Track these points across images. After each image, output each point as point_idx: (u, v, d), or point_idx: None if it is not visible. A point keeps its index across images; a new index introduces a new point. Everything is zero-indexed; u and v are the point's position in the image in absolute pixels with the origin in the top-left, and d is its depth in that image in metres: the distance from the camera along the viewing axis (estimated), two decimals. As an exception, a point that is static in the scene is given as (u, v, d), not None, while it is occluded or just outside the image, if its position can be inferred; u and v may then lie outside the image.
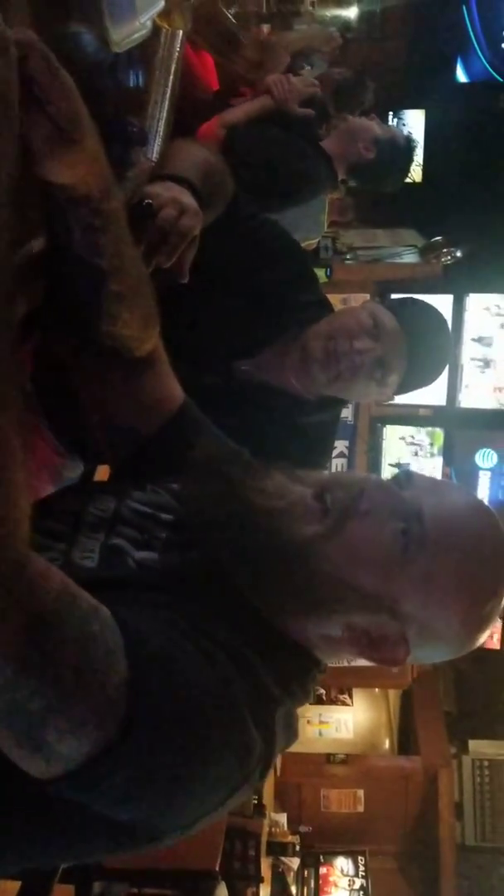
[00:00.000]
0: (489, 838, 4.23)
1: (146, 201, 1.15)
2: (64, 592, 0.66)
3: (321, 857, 4.23)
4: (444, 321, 1.74)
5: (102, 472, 1.88)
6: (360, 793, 4.40)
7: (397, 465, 4.50)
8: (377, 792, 4.41)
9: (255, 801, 3.66)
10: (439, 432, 4.40)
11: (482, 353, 4.31)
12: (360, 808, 4.37)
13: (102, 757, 0.65)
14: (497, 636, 3.93)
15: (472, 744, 4.45)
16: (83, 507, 0.93)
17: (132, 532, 0.90)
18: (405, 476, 0.91)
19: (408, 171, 2.70)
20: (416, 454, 4.52)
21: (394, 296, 3.76)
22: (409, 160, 2.65)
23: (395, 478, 0.92)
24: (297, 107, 2.46)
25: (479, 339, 4.31)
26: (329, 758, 4.52)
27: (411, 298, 2.53)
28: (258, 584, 0.85)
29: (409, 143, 2.60)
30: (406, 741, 4.77)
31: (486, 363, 4.31)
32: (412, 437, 4.51)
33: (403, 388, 1.64)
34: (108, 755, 0.65)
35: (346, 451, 4.60)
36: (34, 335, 1.15)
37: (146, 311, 1.00)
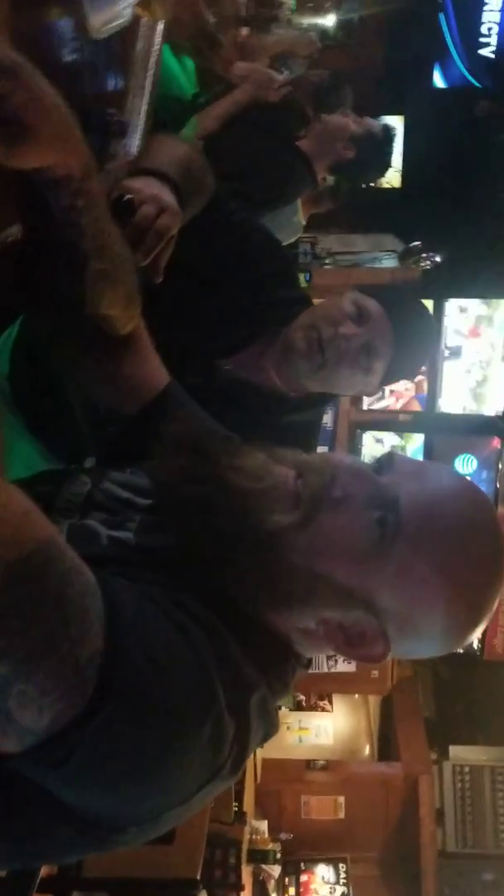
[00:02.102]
0: (470, 844, 4.22)
1: (126, 196, 1.12)
2: (51, 541, 0.62)
3: (302, 864, 4.20)
4: (426, 308, 1.73)
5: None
6: (341, 799, 4.38)
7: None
8: (358, 799, 4.38)
9: (236, 808, 3.63)
10: (410, 436, 4.40)
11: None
12: (341, 815, 4.34)
13: (68, 732, 0.60)
14: (477, 643, 3.94)
15: (453, 750, 4.45)
16: (55, 491, 0.89)
17: (104, 515, 0.86)
18: (387, 459, 0.85)
19: (389, 160, 2.68)
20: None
21: None
22: (390, 150, 2.64)
23: (377, 461, 0.86)
24: (275, 94, 2.44)
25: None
26: (309, 764, 4.49)
27: (393, 286, 2.53)
28: (230, 570, 0.80)
29: (387, 133, 2.59)
30: (386, 747, 4.75)
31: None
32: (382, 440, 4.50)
33: (389, 377, 1.62)
34: (73, 731, 0.60)
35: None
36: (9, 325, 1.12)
37: (129, 290, 0.98)
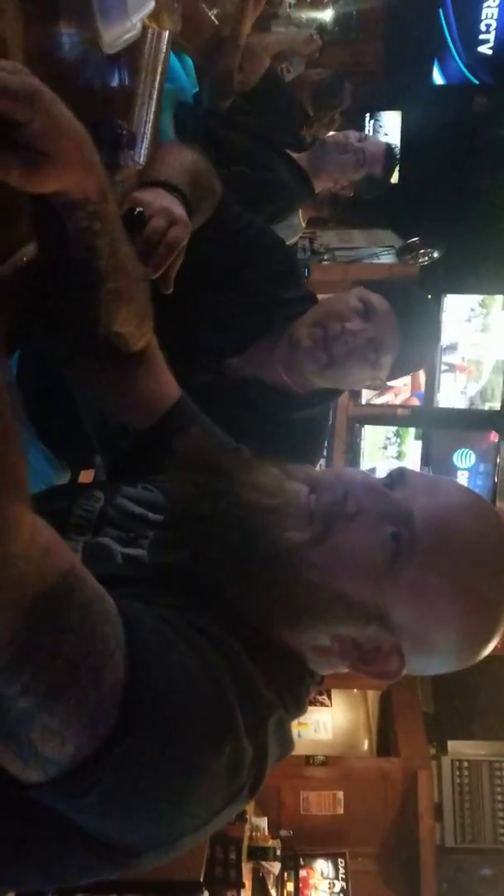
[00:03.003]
0: (469, 839, 4.25)
1: (138, 210, 1.13)
2: (72, 571, 0.61)
3: (301, 859, 4.21)
4: (431, 302, 1.73)
5: (86, 476, 1.87)
6: (340, 795, 4.40)
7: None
8: (356, 794, 4.40)
9: (236, 806, 3.64)
10: (406, 430, 4.41)
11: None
12: (340, 811, 4.36)
13: (90, 763, 0.61)
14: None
15: (452, 744, 4.47)
16: (69, 508, 0.89)
17: (118, 532, 0.87)
18: (398, 474, 0.86)
19: (388, 183, 2.71)
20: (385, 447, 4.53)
21: None
22: (390, 178, 2.67)
23: (388, 476, 0.86)
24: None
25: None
26: (308, 760, 4.51)
27: (397, 281, 2.55)
28: (243, 588, 0.80)
29: (386, 173, 2.61)
30: (385, 742, 4.77)
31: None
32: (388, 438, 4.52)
33: (397, 370, 1.63)
34: (95, 762, 0.61)
35: (324, 452, 4.61)
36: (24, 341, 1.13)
37: (142, 307, 0.99)
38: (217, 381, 1.61)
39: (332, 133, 2.89)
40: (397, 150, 2.67)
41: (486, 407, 4.29)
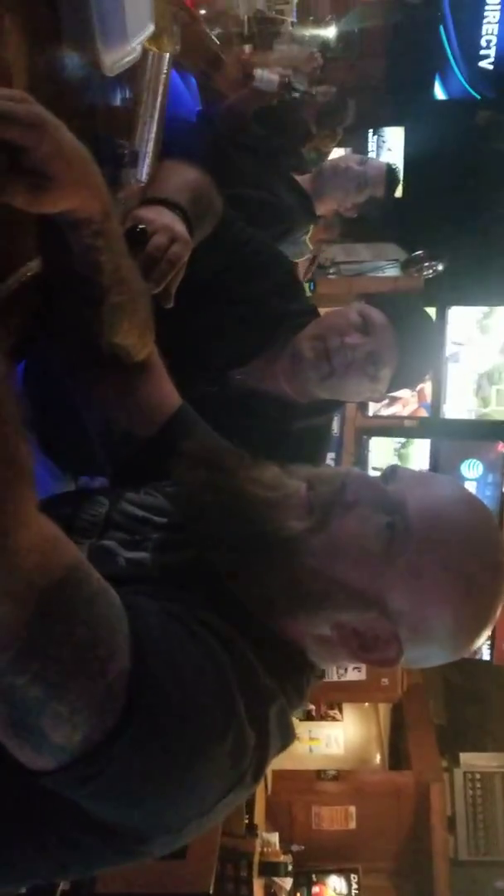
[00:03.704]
0: (482, 852, 4.22)
1: (140, 226, 1.16)
2: (77, 565, 0.64)
3: (313, 875, 4.19)
4: (430, 316, 1.76)
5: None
6: (352, 809, 4.37)
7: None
8: (369, 808, 4.38)
9: (247, 821, 3.63)
10: (411, 441, 4.43)
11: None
12: (353, 825, 4.33)
13: (100, 749, 0.64)
14: (487, 648, 3.94)
15: (464, 757, 4.44)
16: (73, 512, 0.92)
17: (123, 535, 0.89)
18: (390, 471, 0.90)
19: (391, 202, 2.74)
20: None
21: None
22: (391, 198, 2.70)
23: (382, 474, 0.90)
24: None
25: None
26: (320, 774, 4.49)
27: (397, 295, 2.58)
28: (247, 578, 0.83)
29: (388, 193, 2.65)
30: (397, 755, 4.75)
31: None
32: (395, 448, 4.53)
33: (395, 384, 1.66)
34: (103, 748, 0.64)
35: (332, 464, 4.62)
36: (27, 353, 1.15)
37: (144, 320, 1.02)
38: (220, 393, 1.63)
39: (332, 158, 2.93)
40: (399, 169, 2.69)
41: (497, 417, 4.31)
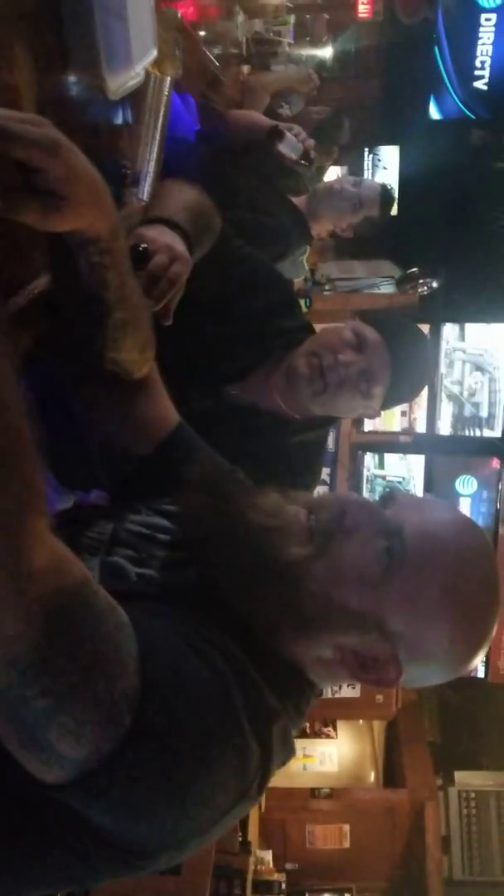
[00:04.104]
0: (477, 872, 4.19)
1: (142, 246, 1.17)
2: (85, 584, 0.66)
3: (307, 894, 4.16)
4: (424, 335, 1.78)
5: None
6: (346, 828, 4.35)
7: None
8: (363, 826, 4.36)
9: (241, 838, 3.61)
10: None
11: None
12: (346, 844, 4.31)
13: (108, 763, 0.65)
14: (482, 666, 3.94)
15: (458, 775, 4.42)
16: (79, 530, 0.94)
17: (130, 552, 0.91)
18: (389, 496, 0.92)
19: (385, 224, 2.77)
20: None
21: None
22: (386, 218, 2.72)
23: (380, 498, 0.93)
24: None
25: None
26: (314, 792, 4.46)
27: (391, 313, 2.61)
28: (250, 602, 0.85)
29: (383, 213, 2.67)
30: (391, 773, 4.73)
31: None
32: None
33: (390, 401, 1.68)
34: (110, 763, 0.65)
35: (327, 479, 4.63)
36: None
37: (145, 337, 1.04)
38: (216, 408, 1.65)
39: (327, 178, 2.95)
40: (393, 190, 2.72)
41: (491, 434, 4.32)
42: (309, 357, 1.61)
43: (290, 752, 0.87)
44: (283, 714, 0.83)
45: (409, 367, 1.65)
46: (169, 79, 1.52)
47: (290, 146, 2.40)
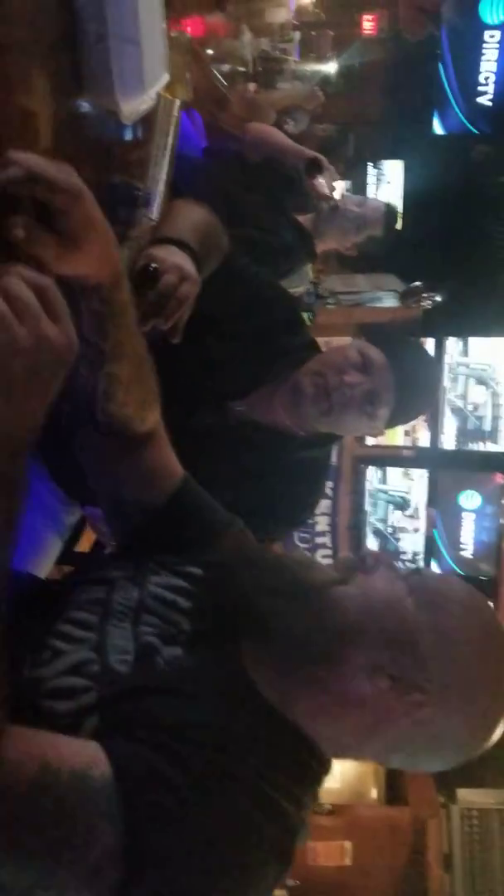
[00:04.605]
0: (479, 890, 4.15)
1: (153, 266, 1.18)
2: (42, 773, 0.69)
3: (308, 911, 4.13)
4: (430, 356, 1.79)
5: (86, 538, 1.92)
6: (348, 845, 4.31)
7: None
8: (365, 844, 4.32)
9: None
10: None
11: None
12: (348, 861, 4.27)
13: None
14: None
15: (461, 793, 4.39)
16: (108, 596, 0.96)
17: (157, 621, 0.93)
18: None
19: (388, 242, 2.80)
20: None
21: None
22: (389, 237, 2.75)
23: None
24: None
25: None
26: (315, 808, 4.44)
27: (397, 334, 2.64)
28: (282, 623, 0.90)
29: (386, 232, 2.69)
30: (394, 790, 4.70)
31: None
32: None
33: (394, 421, 1.69)
34: None
35: (330, 492, 4.63)
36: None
37: (145, 394, 1.05)
38: (221, 424, 1.66)
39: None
40: (396, 209, 2.75)
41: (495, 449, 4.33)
42: (314, 377, 1.63)
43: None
44: (301, 826, 0.87)
45: (414, 389, 1.67)
46: (178, 101, 1.53)
47: (328, 180, 2.41)
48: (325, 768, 0.93)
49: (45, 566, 1.66)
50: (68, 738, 0.75)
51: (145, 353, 1.05)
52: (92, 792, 0.71)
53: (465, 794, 4.38)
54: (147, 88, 1.10)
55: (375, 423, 1.67)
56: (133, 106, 1.10)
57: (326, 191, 2.44)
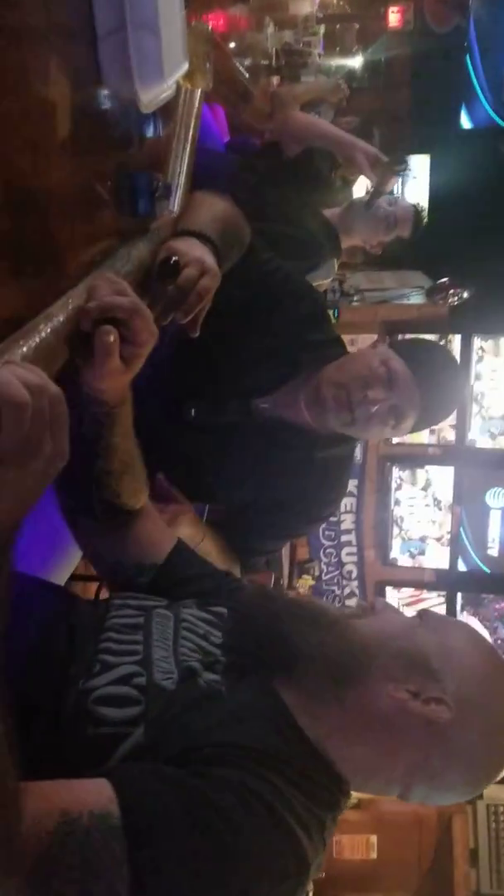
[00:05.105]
0: (506, 886, 4.13)
1: (173, 259, 1.19)
2: (63, 821, 0.72)
3: (333, 905, 4.13)
4: (454, 360, 1.77)
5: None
6: (373, 839, 4.31)
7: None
8: (390, 838, 4.31)
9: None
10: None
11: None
12: (373, 855, 4.27)
13: None
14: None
15: (487, 788, 4.37)
16: (147, 622, 1.02)
17: (194, 647, 0.99)
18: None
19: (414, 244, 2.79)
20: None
21: (401, 336, 3.84)
22: (415, 238, 2.74)
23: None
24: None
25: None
26: (341, 803, 4.43)
27: (421, 340, 2.61)
28: (309, 649, 0.95)
29: (414, 234, 2.68)
30: (419, 785, 4.68)
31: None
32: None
33: (418, 428, 1.69)
34: None
35: (354, 491, 4.62)
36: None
37: (135, 485, 1.14)
38: (244, 421, 1.66)
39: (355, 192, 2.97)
40: (425, 212, 2.74)
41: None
42: (337, 390, 1.60)
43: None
44: (320, 852, 0.89)
45: (439, 400, 1.66)
46: (199, 91, 1.54)
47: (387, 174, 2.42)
48: (345, 795, 0.96)
49: (68, 566, 1.67)
50: (81, 781, 0.77)
51: (137, 451, 1.13)
52: (114, 829, 0.74)
53: (491, 791, 4.35)
54: (166, 77, 1.10)
55: (399, 432, 1.67)
56: (152, 94, 1.11)
57: (388, 185, 2.44)
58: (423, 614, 1.02)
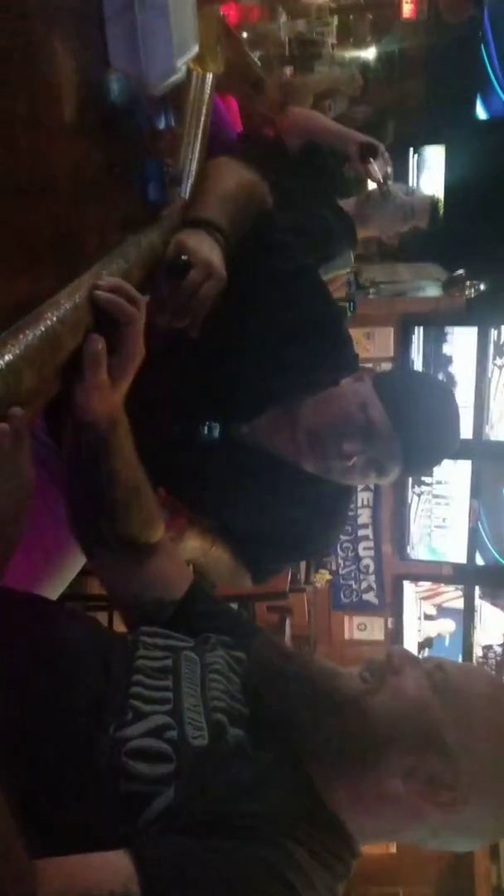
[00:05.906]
0: (527, 882, 4.12)
1: (184, 258, 1.19)
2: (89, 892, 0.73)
3: (354, 900, 4.12)
4: (445, 401, 1.54)
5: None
6: (393, 834, 4.31)
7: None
8: (410, 833, 4.30)
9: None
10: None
11: None
12: (393, 850, 4.26)
13: None
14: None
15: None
16: (175, 665, 1.02)
17: (220, 695, 0.99)
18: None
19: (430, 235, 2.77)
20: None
21: (383, 367, 3.78)
22: (432, 230, 2.71)
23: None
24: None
25: None
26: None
27: (408, 376, 2.50)
28: (319, 735, 0.94)
29: (430, 226, 2.65)
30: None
31: None
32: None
33: (408, 475, 1.62)
34: None
35: (371, 486, 4.60)
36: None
37: (145, 514, 1.13)
38: (226, 446, 1.52)
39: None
40: (441, 203, 2.71)
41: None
42: (311, 438, 1.45)
43: None
44: None
45: (426, 449, 1.47)
46: (211, 77, 1.52)
47: (382, 165, 2.38)
48: (354, 858, 0.97)
49: (61, 582, 1.62)
50: (102, 856, 0.78)
51: (143, 480, 1.12)
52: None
53: (512, 786, 4.33)
54: (176, 59, 1.09)
55: (384, 481, 1.51)
56: (161, 77, 1.10)
57: (380, 175, 2.40)
58: (441, 680, 0.99)
